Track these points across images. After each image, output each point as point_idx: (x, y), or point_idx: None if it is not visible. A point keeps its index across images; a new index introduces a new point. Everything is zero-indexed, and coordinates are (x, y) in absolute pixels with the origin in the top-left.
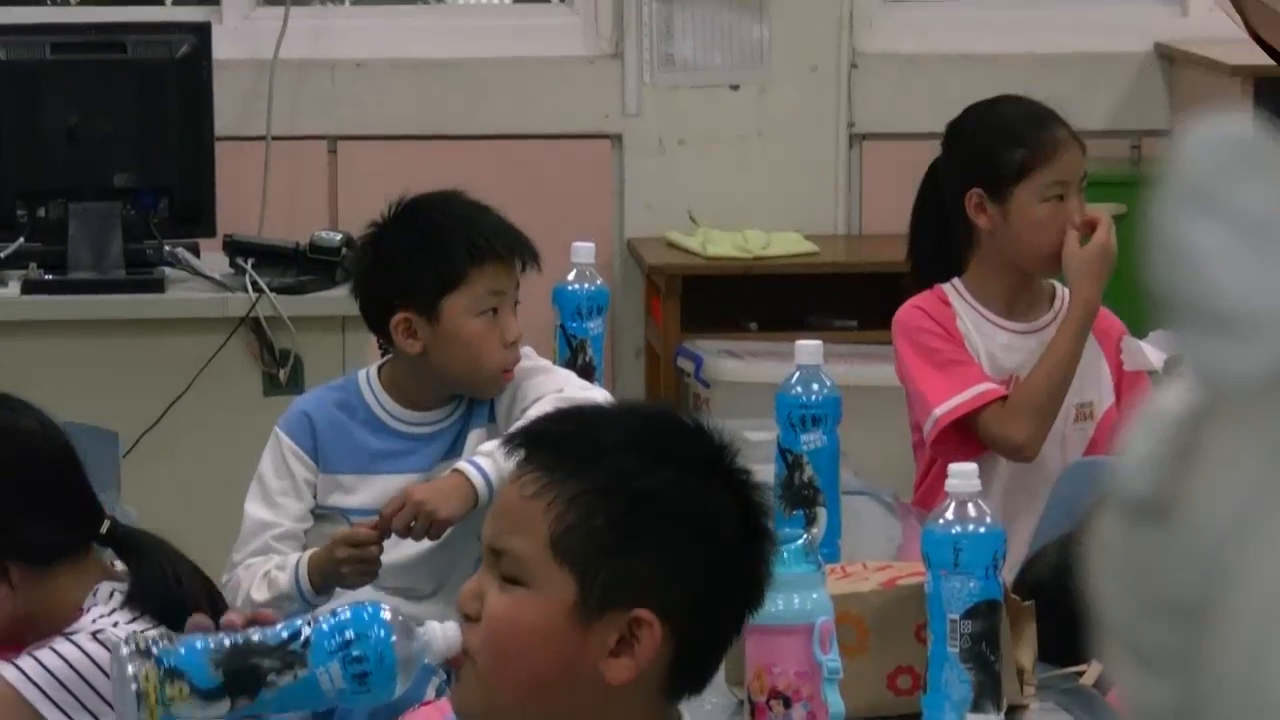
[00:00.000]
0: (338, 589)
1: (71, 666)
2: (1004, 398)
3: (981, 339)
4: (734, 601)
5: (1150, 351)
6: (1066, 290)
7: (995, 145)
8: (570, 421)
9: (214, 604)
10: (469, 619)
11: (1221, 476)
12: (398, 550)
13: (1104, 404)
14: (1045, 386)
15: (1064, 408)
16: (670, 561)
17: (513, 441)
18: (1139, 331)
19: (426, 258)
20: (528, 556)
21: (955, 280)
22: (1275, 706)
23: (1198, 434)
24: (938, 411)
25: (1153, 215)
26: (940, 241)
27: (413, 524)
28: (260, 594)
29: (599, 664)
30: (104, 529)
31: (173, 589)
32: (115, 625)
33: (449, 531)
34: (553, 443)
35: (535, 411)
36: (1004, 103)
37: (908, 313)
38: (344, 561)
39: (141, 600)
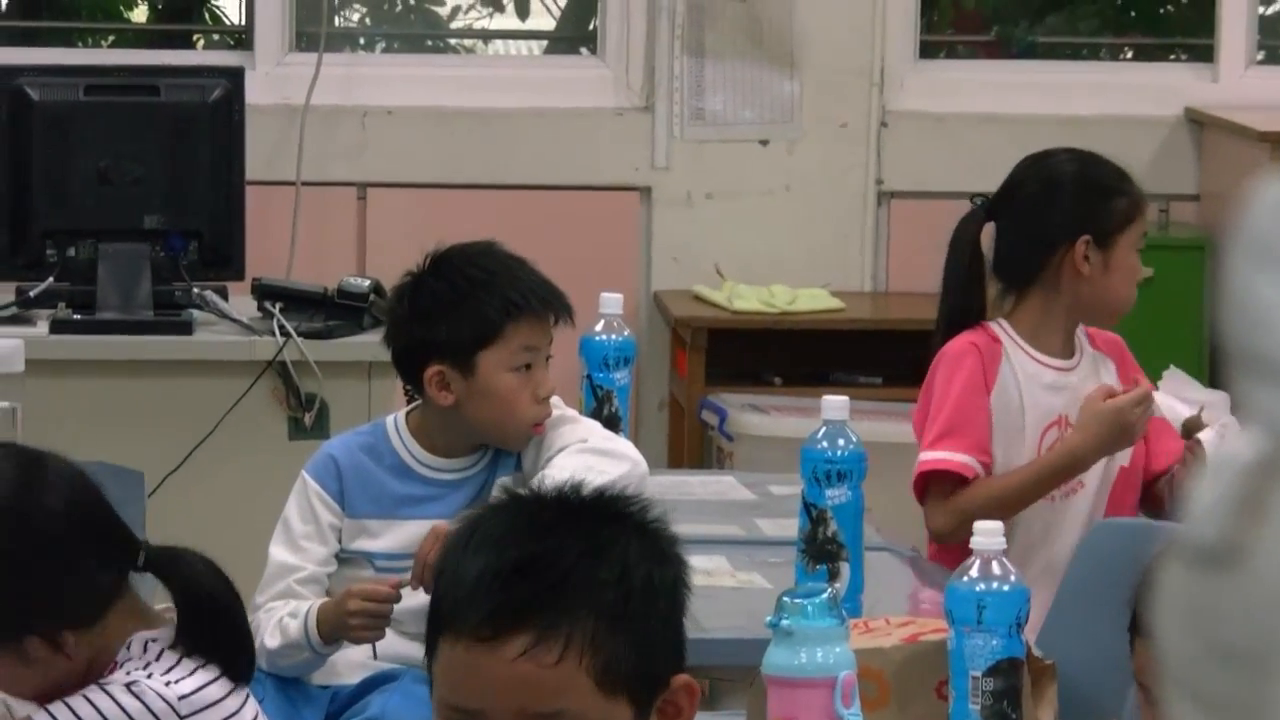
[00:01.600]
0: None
1: (104, 718)
2: (964, 480)
3: (1027, 379)
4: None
5: (1164, 402)
6: (1081, 327)
7: (1102, 194)
8: (524, 573)
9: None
10: None
11: None
12: (420, 597)
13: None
14: (997, 500)
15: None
16: (674, 624)
17: (496, 626)
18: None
19: (463, 312)
20: (585, 711)
21: (1001, 320)
22: None
23: (1266, 484)
24: (922, 456)
25: (1224, 273)
26: (975, 290)
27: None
28: (273, 641)
29: None
30: (139, 560)
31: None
32: (149, 677)
33: None
34: (533, 603)
35: (560, 461)
36: (1087, 153)
37: (959, 345)
38: (355, 614)
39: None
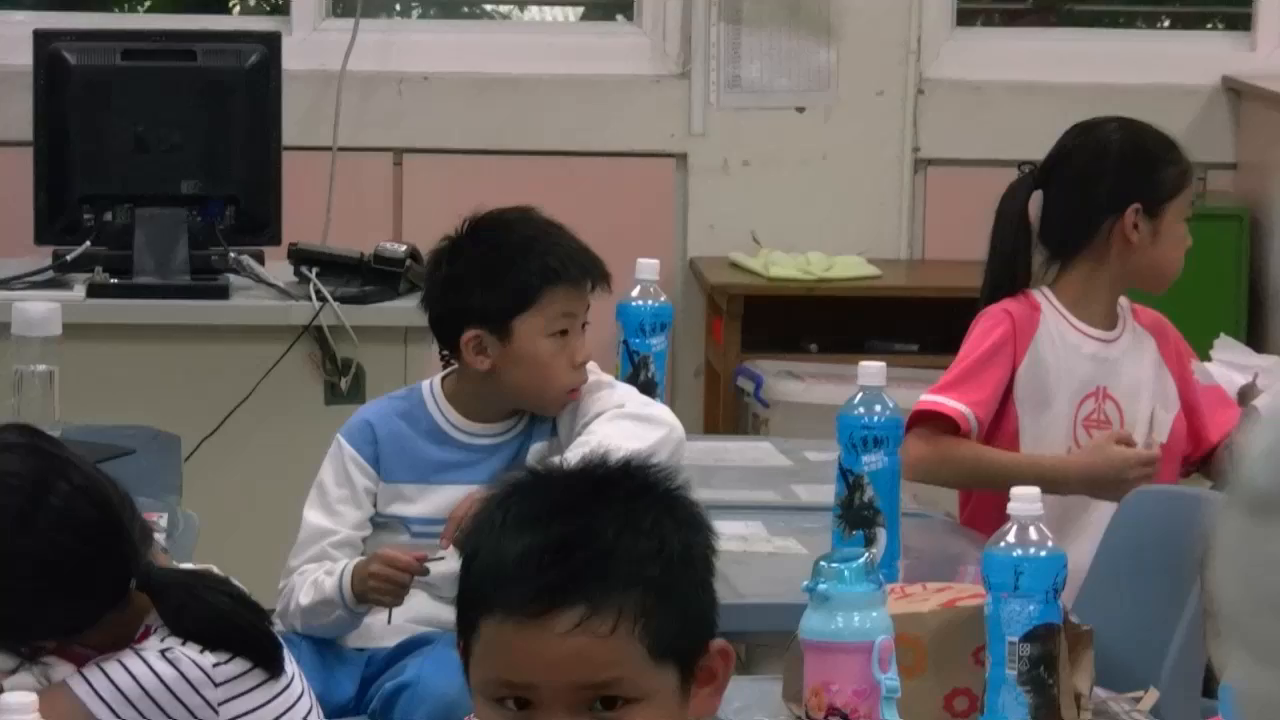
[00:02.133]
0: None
1: (139, 684)
2: (956, 427)
3: (1066, 349)
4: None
5: (1218, 372)
6: (1123, 299)
7: (1152, 164)
8: (570, 549)
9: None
10: None
11: None
12: (452, 564)
13: (1172, 410)
14: (971, 465)
15: (1145, 415)
16: (709, 590)
17: (548, 602)
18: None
19: (500, 277)
20: (639, 678)
21: (1045, 289)
22: None
23: None
24: (922, 398)
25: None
26: (1021, 258)
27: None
28: (306, 598)
29: (695, 707)
30: (133, 584)
31: (204, 624)
32: (184, 644)
33: None
34: (589, 577)
35: (596, 429)
36: (1136, 122)
37: (994, 312)
38: (375, 576)
39: (174, 621)
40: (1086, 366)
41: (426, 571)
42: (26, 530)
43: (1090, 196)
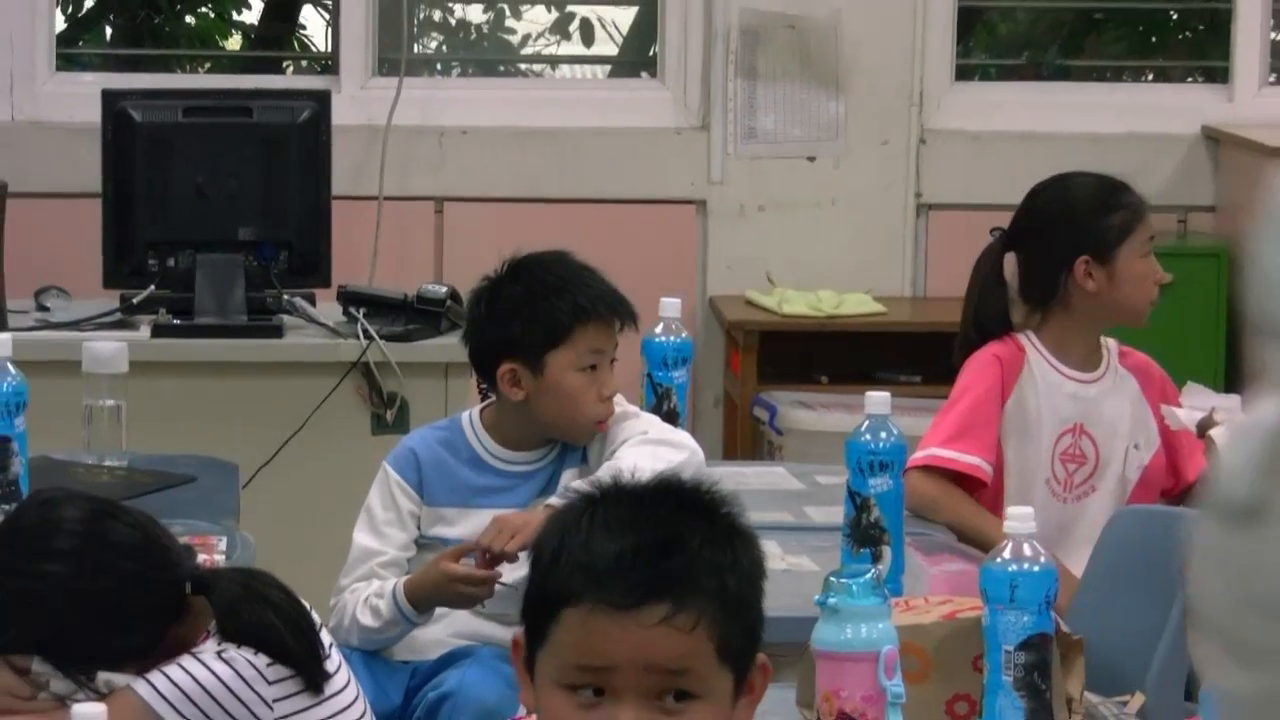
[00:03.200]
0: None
1: (199, 684)
2: (970, 480)
3: (1048, 388)
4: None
5: (1185, 414)
6: (1111, 341)
7: (1095, 213)
8: (665, 552)
9: (304, 627)
10: None
11: None
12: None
13: (1151, 448)
14: (959, 518)
15: (1120, 452)
16: (762, 607)
17: (640, 596)
18: (1180, 381)
19: (535, 314)
20: (707, 674)
21: (1030, 333)
22: None
23: None
24: (934, 451)
25: (1250, 247)
26: (992, 314)
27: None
28: (368, 619)
29: (738, 715)
30: (188, 589)
31: (250, 616)
32: (239, 647)
33: None
34: (678, 576)
35: (624, 455)
36: (1080, 176)
37: (984, 356)
38: (460, 580)
39: (227, 630)
40: (1067, 405)
41: (499, 576)
42: (93, 576)
43: (1044, 255)
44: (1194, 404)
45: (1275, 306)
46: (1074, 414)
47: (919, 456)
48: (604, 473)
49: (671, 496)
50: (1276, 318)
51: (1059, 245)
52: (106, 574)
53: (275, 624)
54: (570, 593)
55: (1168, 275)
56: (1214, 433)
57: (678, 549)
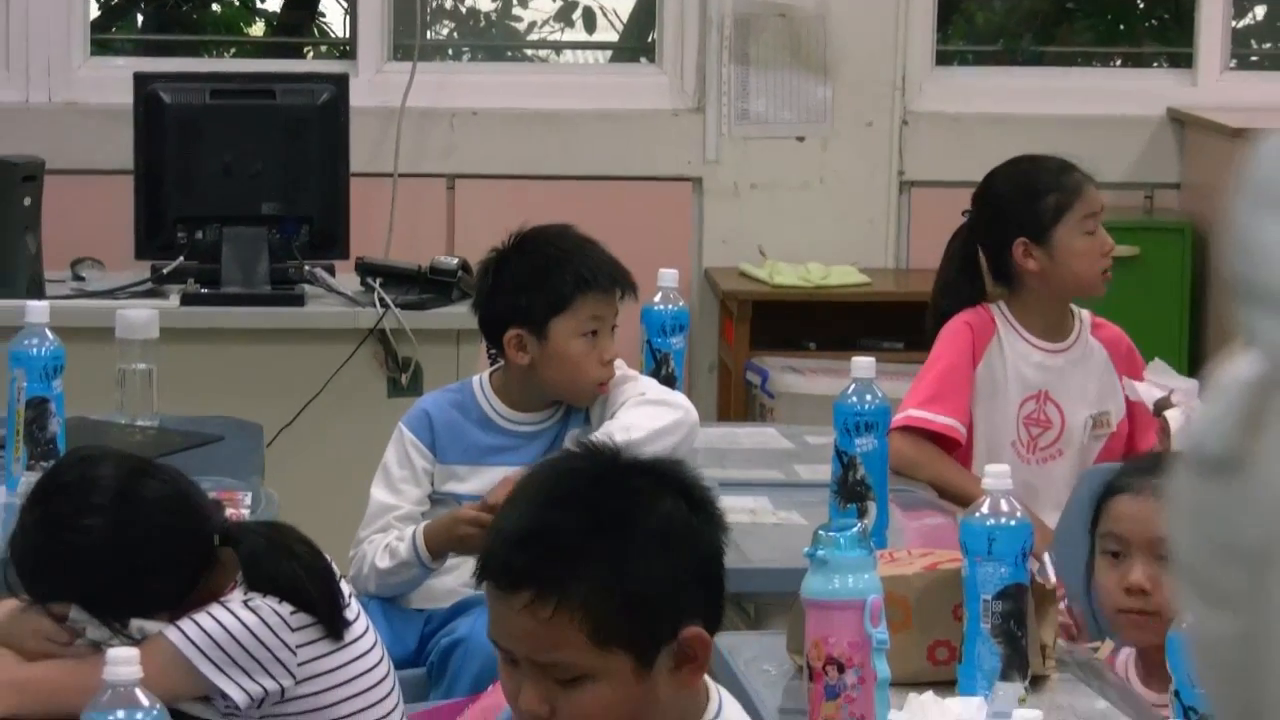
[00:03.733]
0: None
1: (227, 631)
2: (949, 439)
3: (1015, 356)
4: (719, 560)
5: (1144, 389)
6: (1085, 312)
7: (1030, 198)
8: (526, 543)
9: (325, 577)
10: None
11: None
12: None
13: (1118, 415)
14: (937, 474)
15: (1082, 419)
16: (680, 578)
17: (508, 581)
18: (1148, 355)
19: (540, 284)
20: (579, 660)
21: (1001, 304)
22: None
23: (1264, 400)
24: (911, 413)
25: (1228, 218)
26: (972, 278)
27: None
28: (383, 562)
29: (670, 683)
30: (216, 542)
31: (275, 568)
32: (264, 596)
33: None
34: (542, 566)
35: (623, 415)
36: (1023, 162)
37: (956, 324)
38: (467, 521)
39: (252, 580)
40: (1032, 372)
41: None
42: (127, 528)
43: (993, 239)
44: (1157, 381)
45: (1251, 273)
46: (1039, 381)
47: (898, 418)
48: (602, 433)
49: (574, 477)
50: (1253, 283)
51: (1000, 229)
52: (140, 526)
53: (298, 575)
54: (482, 570)
55: (1113, 245)
56: (1169, 413)
57: (543, 539)
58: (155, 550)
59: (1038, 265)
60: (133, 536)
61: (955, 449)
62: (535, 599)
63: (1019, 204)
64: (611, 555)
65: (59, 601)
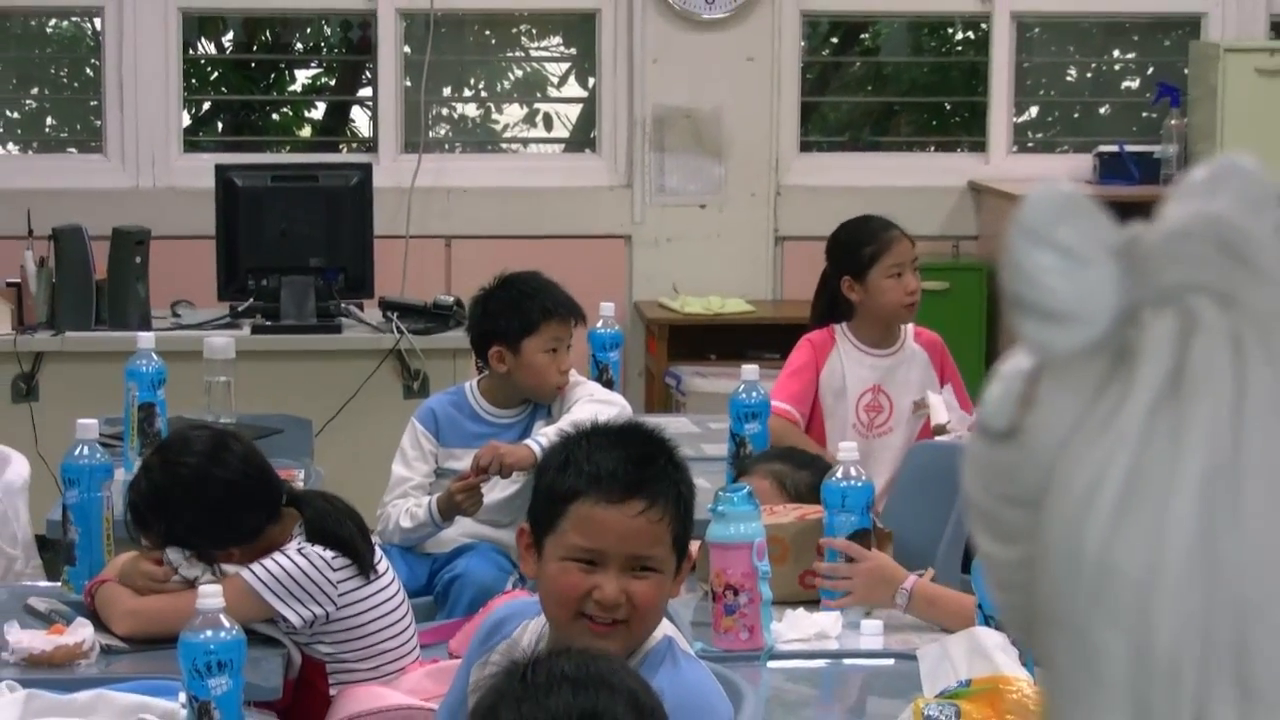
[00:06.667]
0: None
1: (286, 571)
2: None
3: (850, 361)
4: None
5: (934, 403)
6: (910, 325)
7: (853, 248)
8: (644, 463)
9: (363, 532)
10: (616, 619)
11: (1049, 413)
12: (490, 495)
13: (939, 400)
14: (780, 434)
15: (907, 405)
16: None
17: (626, 493)
18: (959, 361)
19: (515, 313)
20: (663, 555)
21: (844, 324)
22: (1086, 560)
23: (1033, 385)
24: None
25: (1006, 244)
26: (830, 303)
27: (494, 466)
28: (406, 523)
29: (675, 585)
30: (283, 499)
31: (331, 525)
32: (314, 545)
33: (520, 485)
34: (651, 483)
35: (577, 409)
36: (855, 220)
37: (803, 342)
38: (458, 492)
39: (311, 534)
40: (866, 372)
41: (484, 477)
42: (218, 468)
43: (831, 275)
44: (948, 401)
45: (1020, 289)
46: (873, 378)
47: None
48: (564, 422)
49: (642, 431)
50: (1021, 297)
51: (835, 269)
52: (224, 476)
53: (347, 527)
54: (577, 490)
55: (917, 286)
56: (930, 397)
57: (650, 463)
58: (235, 496)
59: (858, 297)
60: (217, 481)
61: (811, 427)
62: (649, 506)
63: (846, 252)
64: (682, 481)
65: (161, 541)
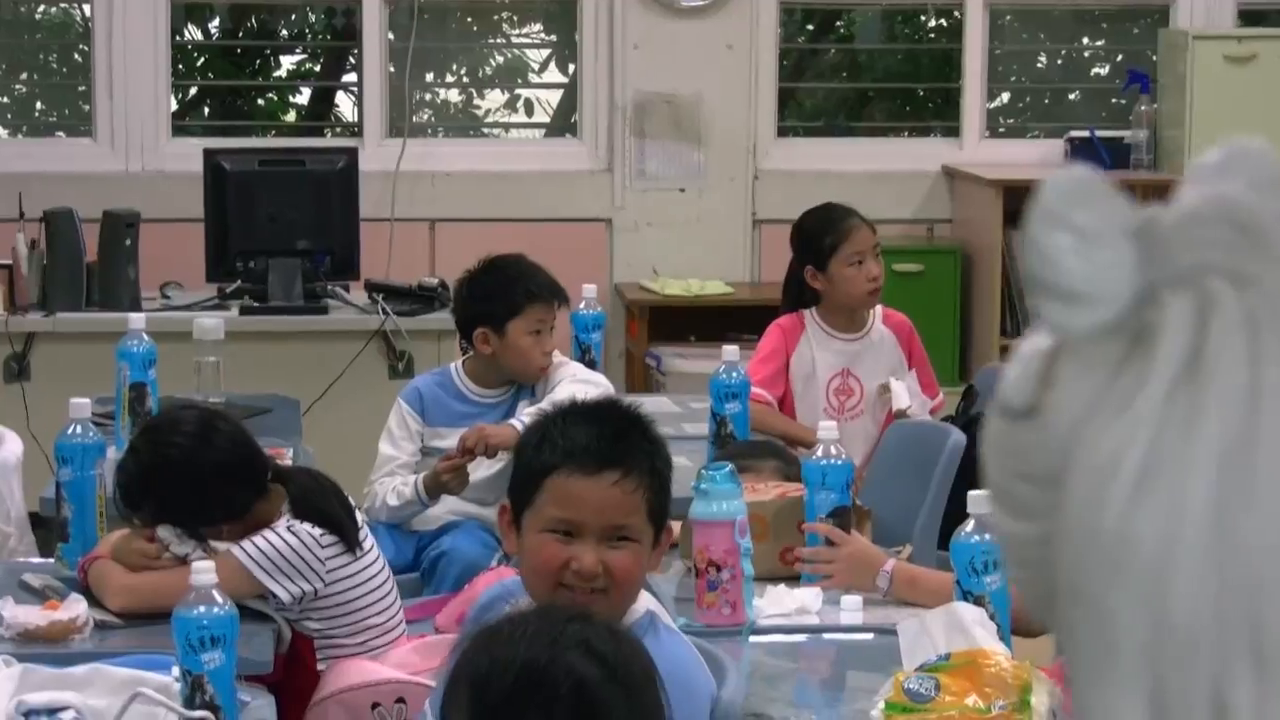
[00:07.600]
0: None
1: (275, 548)
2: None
3: (819, 346)
4: None
5: (897, 389)
6: (878, 308)
7: (815, 237)
8: (618, 437)
9: (346, 508)
10: (595, 589)
11: (1068, 392)
12: (476, 474)
13: (904, 384)
14: (770, 429)
15: (875, 387)
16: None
17: (601, 464)
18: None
19: (500, 296)
20: (640, 525)
21: (813, 309)
22: (1105, 535)
23: (1052, 365)
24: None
25: (1025, 226)
26: (799, 290)
27: (480, 447)
28: (393, 501)
29: (653, 559)
30: (270, 476)
31: (316, 501)
32: (302, 523)
33: (503, 464)
34: (625, 455)
35: (560, 389)
36: (817, 210)
37: (773, 327)
38: (444, 471)
39: (296, 510)
40: (836, 356)
41: (470, 457)
42: (206, 448)
43: (795, 264)
44: (910, 386)
45: (1040, 270)
46: (842, 362)
47: None
48: (547, 402)
49: (618, 407)
50: (1041, 278)
51: (799, 258)
52: (213, 454)
53: (332, 503)
54: (553, 465)
55: (879, 273)
56: (893, 383)
57: (624, 437)
58: (224, 473)
59: (821, 286)
60: (207, 460)
61: (783, 408)
62: (624, 475)
63: (808, 241)
64: (658, 454)
65: (151, 519)
